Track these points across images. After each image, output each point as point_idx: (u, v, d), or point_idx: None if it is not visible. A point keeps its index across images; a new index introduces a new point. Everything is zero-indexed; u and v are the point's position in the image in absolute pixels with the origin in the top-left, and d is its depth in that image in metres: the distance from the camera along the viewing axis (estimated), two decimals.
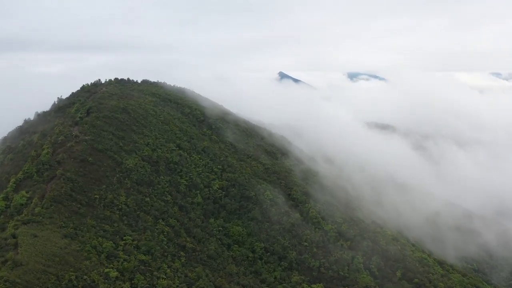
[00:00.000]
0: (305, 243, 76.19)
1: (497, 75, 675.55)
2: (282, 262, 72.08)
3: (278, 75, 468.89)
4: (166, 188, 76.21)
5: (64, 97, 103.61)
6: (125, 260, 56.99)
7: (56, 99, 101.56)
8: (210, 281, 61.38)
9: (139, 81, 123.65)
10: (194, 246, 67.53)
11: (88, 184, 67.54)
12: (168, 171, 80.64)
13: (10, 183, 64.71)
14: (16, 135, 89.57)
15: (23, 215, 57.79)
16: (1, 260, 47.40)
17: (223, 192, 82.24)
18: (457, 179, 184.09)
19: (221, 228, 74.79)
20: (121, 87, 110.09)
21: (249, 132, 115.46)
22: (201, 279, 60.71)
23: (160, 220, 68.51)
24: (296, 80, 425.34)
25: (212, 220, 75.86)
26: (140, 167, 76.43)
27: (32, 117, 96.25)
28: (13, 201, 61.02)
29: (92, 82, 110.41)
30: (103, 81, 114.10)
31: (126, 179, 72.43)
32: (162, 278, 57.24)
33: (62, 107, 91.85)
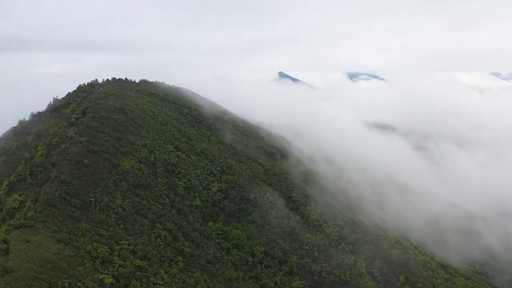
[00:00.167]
0: (306, 247, 74.45)
1: (497, 75, 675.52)
2: (283, 267, 70.35)
3: (278, 75, 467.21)
4: (163, 190, 74.39)
5: (60, 97, 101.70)
6: (120, 265, 55.25)
7: (52, 99, 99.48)
8: (208, 287, 59.62)
9: (137, 81, 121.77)
10: (192, 250, 65.75)
11: (83, 187, 65.73)
12: (165, 173, 78.80)
13: (3, 186, 62.88)
14: (10, 136, 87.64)
15: (15, 219, 56.01)
16: None
17: (222, 195, 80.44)
18: (458, 180, 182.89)
19: (220, 232, 72.98)
20: (118, 87, 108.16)
21: (248, 133, 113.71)
22: (199, 285, 58.99)
23: (157, 224, 66.72)
24: (296, 80, 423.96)
25: (211, 223, 74.06)
26: (137, 169, 74.60)
27: (27, 118, 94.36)
28: (5, 204, 59.24)
29: (89, 82, 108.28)
30: (101, 81, 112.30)
31: (123, 181, 70.61)
32: (159, 284, 55.53)
33: (58, 108, 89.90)
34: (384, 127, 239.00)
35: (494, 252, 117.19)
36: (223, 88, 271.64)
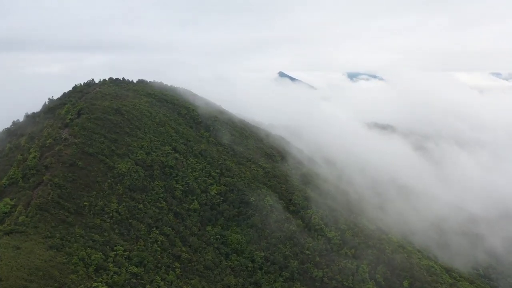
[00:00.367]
0: (307, 252, 72.41)
1: (497, 75, 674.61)
2: (283, 272, 68.27)
3: (278, 75, 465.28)
4: (160, 194, 72.26)
5: (56, 97, 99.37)
6: (115, 273, 53.18)
7: (47, 100, 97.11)
8: None
9: (135, 81, 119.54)
10: (190, 256, 63.63)
11: (77, 191, 63.56)
12: (163, 175, 76.65)
13: None
14: (3, 137, 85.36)
15: (5, 224, 53.85)
16: None
17: (221, 198, 78.33)
18: (459, 180, 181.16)
19: (218, 236, 70.86)
20: (115, 87, 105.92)
21: (248, 134, 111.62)
22: None
23: (154, 229, 64.59)
24: (296, 80, 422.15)
25: (209, 227, 71.94)
26: (133, 171, 72.43)
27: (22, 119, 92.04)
28: None
29: (85, 82, 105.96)
30: (98, 81, 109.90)
31: (118, 184, 68.44)
32: None
33: (52, 108, 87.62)
34: (384, 128, 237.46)
35: (497, 255, 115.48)
36: (222, 88, 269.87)
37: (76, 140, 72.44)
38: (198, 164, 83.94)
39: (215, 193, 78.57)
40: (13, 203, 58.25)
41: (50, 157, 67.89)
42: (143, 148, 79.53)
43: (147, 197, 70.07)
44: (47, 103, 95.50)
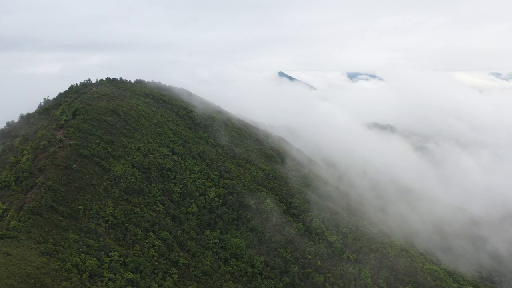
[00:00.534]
0: (309, 256, 70.70)
1: (497, 75, 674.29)
2: (284, 278, 66.49)
3: (277, 74, 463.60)
4: (158, 197, 70.39)
5: (52, 97, 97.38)
6: (110, 279, 51.30)
7: (42, 100, 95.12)
8: None
9: (132, 81, 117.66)
10: (187, 261, 61.77)
11: (71, 194, 61.67)
12: (160, 178, 74.79)
13: None
14: None
15: None
16: None
17: (220, 201, 76.52)
18: (460, 182, 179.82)
19: (217, 241, 69.04)
20: (112, 88, 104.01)
21: (248, 135, 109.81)
22: None
23: (151, 233, 62.72)
24: (295, 80, 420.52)
25: (208, 231, 70.09)
26: (130, 174, 70.54)
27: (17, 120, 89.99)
28: None
29: (82, 82, 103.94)
30: (95, 81, 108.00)
31: (114, 187, 66.55)
32: None
33: (48, 109, 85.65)
34: (384, 128, 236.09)
35: (500, 257, 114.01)
36: (222, 88, 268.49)
37: (71, 142, 70.54)
38: (196, 166, 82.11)
39: (214, 196, 76.75)
40: (5, 207, 56.27)
41: (44, 159, 65.98)
42: (140, 150, 77.67)
43: (143, 200, 68.20)
44: (42, 104, 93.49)
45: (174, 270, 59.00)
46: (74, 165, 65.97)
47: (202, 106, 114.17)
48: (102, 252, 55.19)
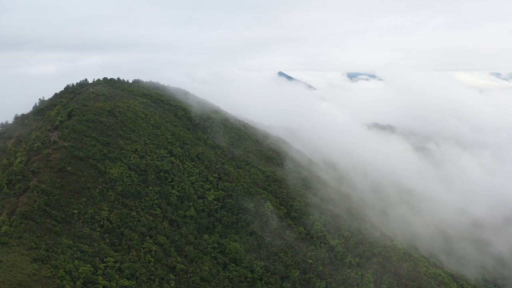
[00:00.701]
0: (310, 261, 68.96)
1: (497, 75, 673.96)
2: (285, 283, 64.73)
3: (277, 74, 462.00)
4: (155, 200, 68.54)
5: (47, 98, 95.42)
6: (105, 286, 49.59)
7: (37, 101, 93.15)
8: None
9: (130, 81, 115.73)
10: (185, 267, 59.93)
11: (65, 197, 59.82)
12: (157, 180, 72.93)
13: None
14: None
15: None
16: None
17: (219, 204, 74.71)
18: (462, 183, 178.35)
19: (216, 245, 67.22)
20: (109, 88, 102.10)
21: (247, 136, 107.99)
22: None
23: (147, 238, 60.88)
24: (295, 80, 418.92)
25: (206, 236, 68.26)
26: (126, 176, 68.68)
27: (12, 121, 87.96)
28: None
29: (78, 82, 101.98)
30: (93, 81, 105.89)
31: (110, 190, 64.68)
32: None
33: (42, 110, 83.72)
34: (384, 128, 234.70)
35: (503, 259, 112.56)
36: (221, 88, 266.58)
37: (66, 144, 68.65)
38: (195, 168, 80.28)
39: (212, 198, 74.93)
40: None
41: (37, 161, 64.10)
42: (137, 152, 75.80)
43: (140, 203, 66.35)
44: (37, 104, 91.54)
45: (171, 276, 57.19)
46: (69, 168, 64.11)
47: (201, 106, 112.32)
48: (97, 258, 53.40)
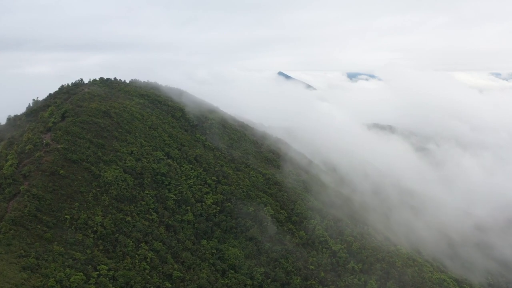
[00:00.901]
0: (311, 267, 66.72)
1: (497, 75, 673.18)
2: None
3: (277, 74, 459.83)
4: (151, 204, 66.22)
5: (41, 98, 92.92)
6: None
7: (31, 101, 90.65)
8: None
9: (127, 81, 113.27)
10: (182, 274, 57.63)
11: (57, 202, 57.50)
12: (154, 184, 70.60)
13: None
14: None
15: None
16: None
17: (218, 208, 72.40)
18: (463, 183, 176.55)
19: (214, 251, 64.91)
20: (105, 88, 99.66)
21: (247, 137, 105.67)
22: None
23: (143, 244, 58.57)
24: (295, 80, 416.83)
25: (204, 241, 65.94)
26: (121, 180, 66.34)
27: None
28: None
29: (73, 82, 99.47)
30: (89, 81, 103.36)
31: (104, 195, 62.36)
32: None
33: (36, 110, 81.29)
34: (384, 128, 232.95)
35: (507, 262, 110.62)
36: (221, 88, 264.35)
37: (59, 146, 66.28)
38: (192, 171, 77.94)
39: (211, 202, 72.61)
40: None
41: (29, 164, 61.77)
42: (132, 154, 73.45)
43: (136, 208, 64.01)
44: (31, 105, 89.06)
45: (167, 284, 54.90)
46: (61, 171, 61.78)
47: (199, 107, 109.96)
48: (90, 265, 51.13)
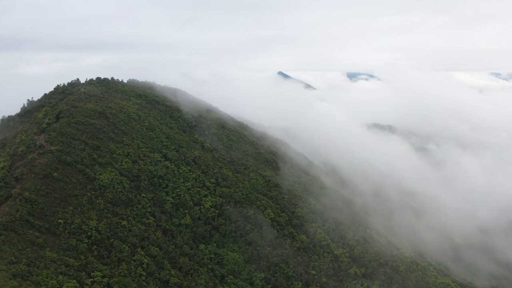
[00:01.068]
0: (313, 272, 64.95)
1: (497, 75, 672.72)
2: None
3: (277, 74, 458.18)
4: (148, 208, 64.33)
5: (36, 99, 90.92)
6: None
7: (26, 102, 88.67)
8: None
9: (125, 81, 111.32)
10: (179, 280, 55.78)
11: (51, 206, 55.59)
12: (151, 187, 68.71)
13: None
14: None
15: None
16: None
17: (217, 211, 70.55)
18: (464, 184, 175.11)
19: (213, 256, 63.06)
20: (102, 88, 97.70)
21: (247, 138, 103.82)
22: None
23: (139, 249, 56.68)
24: (295, 80, 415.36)
25: (202, 246, 64.09)
26: (117, 183, 64.43)
27: None
28: None
29: (69, 81, 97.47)
30: (85, 81, 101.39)
31: (99, 198, 60.46)
32: None
33: (30, 111, 79.32)
34: (385, 129, 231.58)
35: (511, 264, 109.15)
36: (220, 88, 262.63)
37: (53, 148, 64.36)
38: (191, 173, 76.06)
39: (209, 205, 70.75)
40: None
41: (21, 167, 59.82)
42: (129, 156, 71.53)
43: (132, 212, 62.12)
44: (25, 105, 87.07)
45: None
46: (55, 174, 59.86)
47: (198, 107, 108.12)
48: (83, 272, 49.23)
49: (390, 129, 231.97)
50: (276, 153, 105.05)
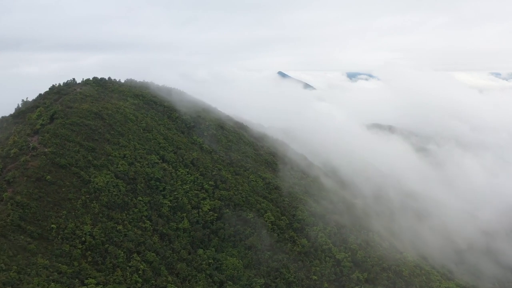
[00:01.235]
0: (314, 277, 63.21)
1: (497, 75, 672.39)
2: None
3: (277, 74, 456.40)
4: (144, 212, 62.50)
5: (31, 99, 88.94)
6: None
7: (20, 102, 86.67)
8: None
9: (122, 81, 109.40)
10: (177, 287, 53.98)
11: (43, 210, 53.75)
12: (148, 190, 66.86)
13: None
14: None
15: None
16: None
17: (215, 215, 68.75)
18: (465, 184, 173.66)
19: (211, 261, 61.27)
20: (99, 88, 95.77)
21: (246, 139, 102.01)
22: None
23: (135, 255, 54.87)
24: (295, 80, 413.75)
25: (201, 250, 62.28)
26: (113, 186, 62.57)
27: None
28: None
29: (65, 81, 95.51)
30: (82, 81, 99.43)
31: (94, 202, 58.61)
32: None
33: (24, 112, 77.37)
34: (385, 129, 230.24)
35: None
36: (220, 88, 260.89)
37: (46, 150, 62.46)
38: (189, 175, 74.25)
39: (208, 209, 68.96)
40: None
41: (13, 170, 57.93)
42: (125, 158, 69.66)
43: (128, 216, 60.28)
44: (20, 106, 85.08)
45: None
46: (48, 177, 57.99)
47: (197, 108, 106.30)
48: (77, 279, 47.40)
49: (390, 129, 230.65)
50: (275, 154, 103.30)
